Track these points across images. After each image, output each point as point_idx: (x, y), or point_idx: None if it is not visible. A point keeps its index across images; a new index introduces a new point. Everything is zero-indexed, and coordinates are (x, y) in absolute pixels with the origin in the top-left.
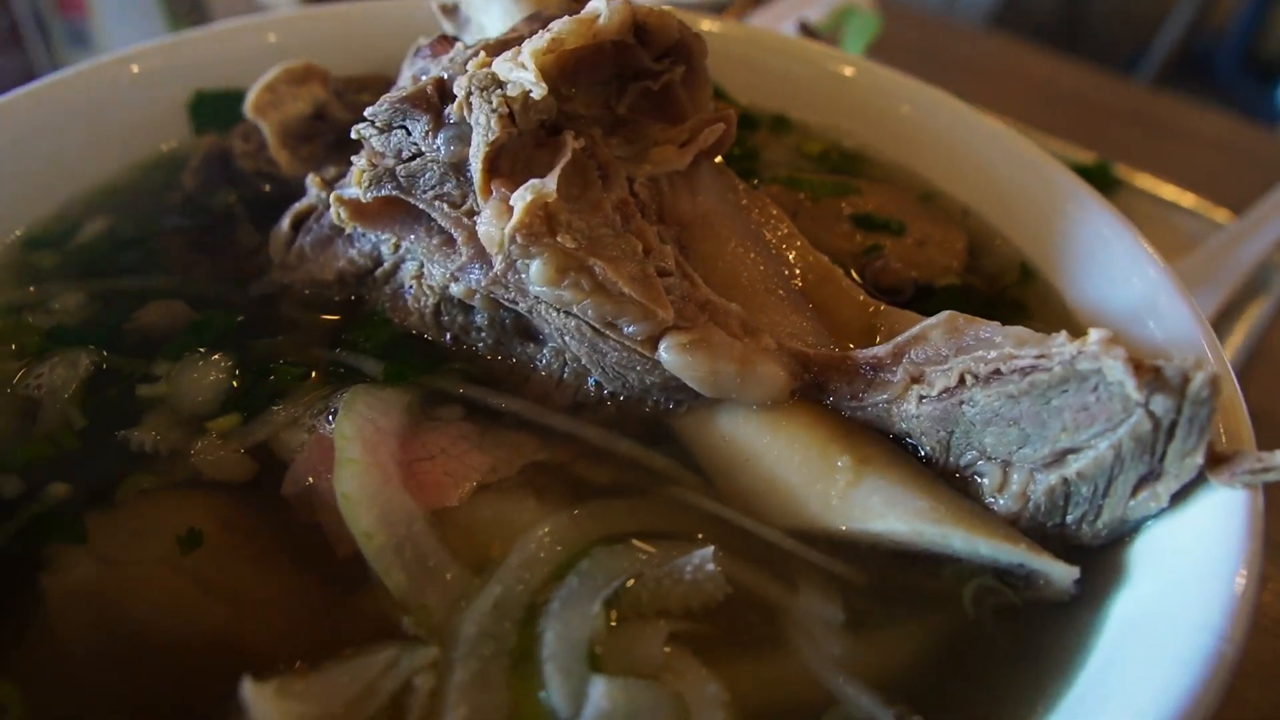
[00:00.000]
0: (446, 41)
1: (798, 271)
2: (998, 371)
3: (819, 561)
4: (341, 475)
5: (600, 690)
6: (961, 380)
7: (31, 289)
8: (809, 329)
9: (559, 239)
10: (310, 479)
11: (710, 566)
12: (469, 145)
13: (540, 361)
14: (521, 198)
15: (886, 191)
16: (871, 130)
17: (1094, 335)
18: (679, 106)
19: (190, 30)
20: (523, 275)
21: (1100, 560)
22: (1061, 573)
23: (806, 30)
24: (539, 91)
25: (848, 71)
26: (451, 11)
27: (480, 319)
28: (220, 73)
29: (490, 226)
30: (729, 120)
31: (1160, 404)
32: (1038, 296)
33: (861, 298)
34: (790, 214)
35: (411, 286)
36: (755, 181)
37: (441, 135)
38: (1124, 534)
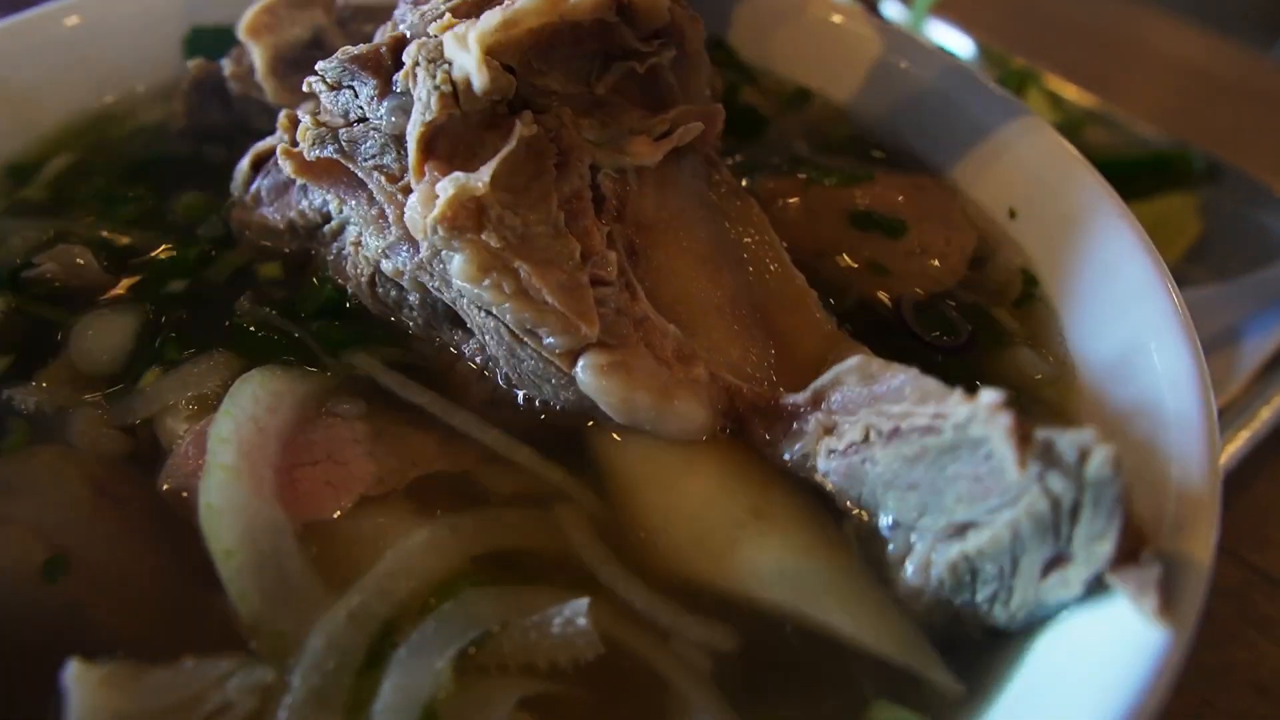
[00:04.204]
0: None
1: (764, 291)
2: (897, 429)
3: (687, 626)
4: (209, 483)
5: None
6: (866, 436)
7: None
8: (753, 360)
9: (484, 235)
10: (188, 476)
11: (581, 621)
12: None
13: (467, 350)
14: (445, 189)
15: (895, 181)
16: (900, 115)
17: (984, 397)
18: (666, 92)
19: None
20: (447, 265)
21: (1010, 647)
22: (948, 687)
23: None
24: (480, 82)
25: (878, 47)
26: None
27: (413, 298)
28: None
29: (414, 212)
30: (711, 119)
31: (1057, 482)
32: (1035, 318)
33: (827, 328)
34: (782, 209)
35: (350, 253)
36: (746, 177)
37: (385, 103)
38: (1044, 618)
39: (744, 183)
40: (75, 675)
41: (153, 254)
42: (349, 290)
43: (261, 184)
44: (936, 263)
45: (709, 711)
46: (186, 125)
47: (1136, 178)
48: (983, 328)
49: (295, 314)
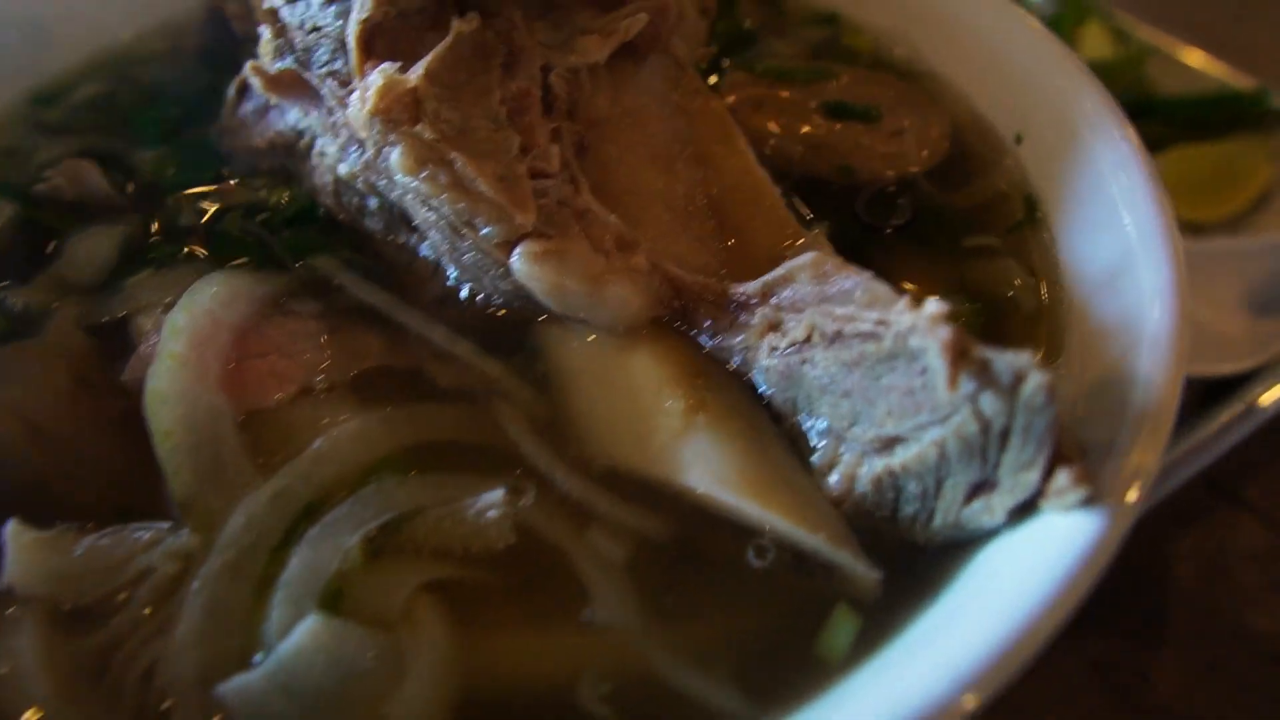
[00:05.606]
0: None
1: (723, 187)
2: (840, 333)
3: (614, 514)
4: (156, 370)
5: (307, 626)
6: (809, 336)
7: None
8: (700, 252)
9: (418, 128)
10: (147, 367)
11: (493, 512)
12: None
13: (421, 251)
14: (375, 80)
15: (866, 75)
16: (926, 39)
17: (928, 307)
18: None
19: None
20: (388, 162)
21: (933, 562)
22: (863, 573)
23: None
24: None
25: None
26: None
27: (372, 203)
28: None
29: (355, 109)
30: (658, 11)
31: (989, 404)
32: (1031, 237)
33: (784, 223)
34: (756, 105)
35: (317, 164)
36: (724, 66)
37: (333, 8)
38: (965, 540)
39: (712, 80)
40: (11, 533)
41: (155, 173)
42: (320, 202)
43: (246, 109)
44: (914, 144)
45: (610, 600)
46: (198, 58)
47: (1205, 118)
48: (966, 238)
49: (273, 224)
